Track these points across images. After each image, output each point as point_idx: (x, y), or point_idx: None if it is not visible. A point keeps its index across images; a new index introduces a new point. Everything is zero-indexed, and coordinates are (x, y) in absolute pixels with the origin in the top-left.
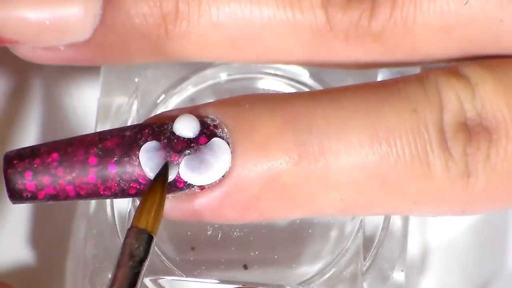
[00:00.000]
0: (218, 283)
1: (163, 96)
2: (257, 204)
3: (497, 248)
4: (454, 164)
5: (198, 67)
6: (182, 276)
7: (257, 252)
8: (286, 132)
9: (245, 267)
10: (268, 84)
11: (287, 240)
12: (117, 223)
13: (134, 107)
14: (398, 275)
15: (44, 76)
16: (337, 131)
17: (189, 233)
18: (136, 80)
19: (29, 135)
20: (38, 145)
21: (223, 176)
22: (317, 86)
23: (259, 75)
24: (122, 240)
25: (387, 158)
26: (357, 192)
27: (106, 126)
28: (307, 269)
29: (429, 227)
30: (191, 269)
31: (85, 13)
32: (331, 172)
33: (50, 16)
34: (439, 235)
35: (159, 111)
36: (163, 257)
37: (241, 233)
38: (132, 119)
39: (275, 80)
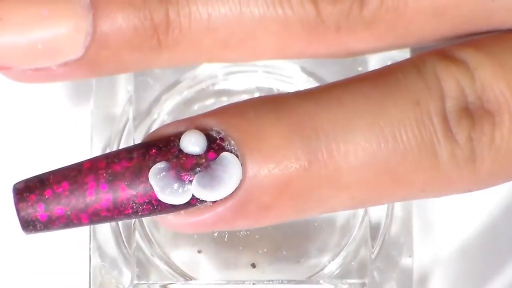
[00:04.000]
0: (227, 284)
1: (157, 101)
2: (270, 212)
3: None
4: (460, 151)
5: (189, 69)
6: (191, 280)
7: (265, 250)
8: (294, 140)
9: (253, 265)
10: (263, 81)
11: (294, 236)
12: (121, 231)
13: (129, 115)
14: (406, 261)
15: (37, 88)
16: (344, 133)
17: (195, 236)
18: (129, 88)
19: (26, 148)
20: (45, 174)
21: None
22: (310, 80)
23: (253, 73)
24: (129, 249)
25: (395, 153)
26: (367, 189)
27: (102, 137)
28: (316, 263)
29: (436, 229)
30: (199, 272)
31: (76, 32)
32: (341, 174)
33: (40, 39)
34: (446, 234)
35: (154, 116)
36: (171, 263)
37: (248, 232)
38: (128, 128)
39: (269, 78)
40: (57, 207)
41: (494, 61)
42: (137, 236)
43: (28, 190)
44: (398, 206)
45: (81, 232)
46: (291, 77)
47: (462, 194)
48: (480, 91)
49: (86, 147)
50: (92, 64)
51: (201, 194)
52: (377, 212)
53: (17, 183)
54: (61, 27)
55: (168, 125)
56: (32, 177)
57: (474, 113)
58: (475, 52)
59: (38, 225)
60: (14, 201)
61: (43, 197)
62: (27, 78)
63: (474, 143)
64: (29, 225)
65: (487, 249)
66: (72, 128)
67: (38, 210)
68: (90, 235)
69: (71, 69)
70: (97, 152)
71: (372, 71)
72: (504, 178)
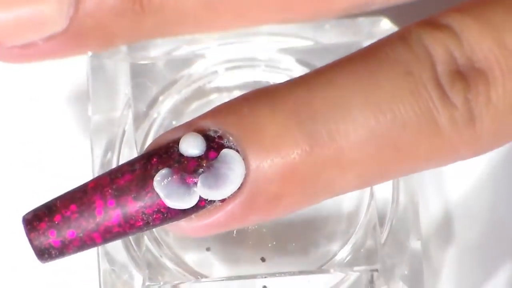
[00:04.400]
0: (238, 280)
1: (155, 102)
2: (280, 202)
3: None
4: (458, 114)
5: (185, 68)
6: (202, 278)
7: (274, 243)
8: (292, 127)
9: (263, 259)
10: (260, 75)
11: (301, 227)
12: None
13: (128, 118)
14: (415, 244)
15: (36, 96)
16: (341, 113)
17: None
18: (126, 91)
19: (26, 155)
20: (51, 200)
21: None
22: (306, 71)
23: (250, 68)
24: (138, 252)
25: (394, 125)
26: (372, 166)
27: (102, 142)
28: (325, 252)
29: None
30: (210, 270)
31: (59, 3)
32: (344, 154)
33: (24, 12)
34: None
35: (154, 115)
36: (181, 263)
37: (256, 226)
38: (128, 131)
39: (266, 71)
40: (69, 231)
41: (479, 21)
42: (146, 239)
43: (37, 218)
44: (403, 191)
45: None
46: (289, 70)
47: (467, 160)
48: (469, 52)
49: (87, 153)
50: (78, 35)
51: (208, 194)
52: (383, 197)
53: (26, 214)
54: (44, 1)
55: (165, 133)
56: (40, 206)
57: (466, 75)
58: (459, 15)
59: (53, 252)
60: (26, 232)
61: (53, 223)
62: (15, 57)
63: (471, 104)
64: (44, 253)
65: (493, 236)
66: (72, 135)
67: (50, 236)
68: None
69: (58, 43)
70: (98, 158)
71: (360, 49)
72: (506, 137)
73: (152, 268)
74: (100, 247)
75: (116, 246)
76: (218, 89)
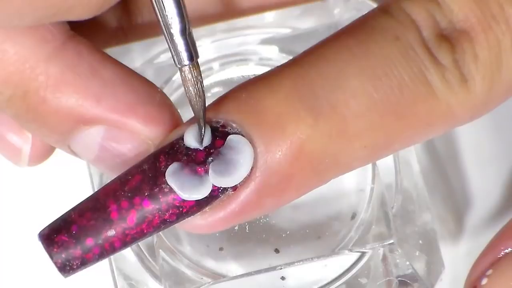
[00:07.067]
0: (255, 274)
1: None
2: (292, 182)
3: None
4: (450, 74)
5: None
6: (221, 279)
7: (288, 232)
8: (293, 103)
9: (277, 251)
10: (256, 71)
11: (311, 212)
12: (143, 249)
13: None
14: (425, 214)
15: None
16: (338, 84)
17: (217, 234)
18: None
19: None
20: (65, 213)
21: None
22: None
23: (245, 65)
24: (155, 263)
25: (392, 89)
26: (376, 133)
27: None
28: (337, 234)
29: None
30: (227, 269)
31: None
32: (348, 123)
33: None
34: None
35: None
36: (197, 267)
37: (267, 219)
38: None
39: (262, 69)
40: (87, 238)
41: None
42: (161, 251)
43: (54, 232)
44: (404, 161)
45: None
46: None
47: (469, 123)
48: (449, 14)
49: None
50: None
51: (221, 182)
52: (387, 172)
53: (41, 231)
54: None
55: (168, 134)
56: (54, 220)
57: (450, 36)
58: None
59: (74, 263)
60: (44, 247)
61: (71, 233)
62: None
63: (459, 64)
64: (65, 266)
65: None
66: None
67: (70, 247)
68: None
69: None
70: (96, 175)
71: (345, 27)
72: (501, 94)
73: (172, 278)
74: (113, 264)
75: (130, 261)
76: (215, 85)
